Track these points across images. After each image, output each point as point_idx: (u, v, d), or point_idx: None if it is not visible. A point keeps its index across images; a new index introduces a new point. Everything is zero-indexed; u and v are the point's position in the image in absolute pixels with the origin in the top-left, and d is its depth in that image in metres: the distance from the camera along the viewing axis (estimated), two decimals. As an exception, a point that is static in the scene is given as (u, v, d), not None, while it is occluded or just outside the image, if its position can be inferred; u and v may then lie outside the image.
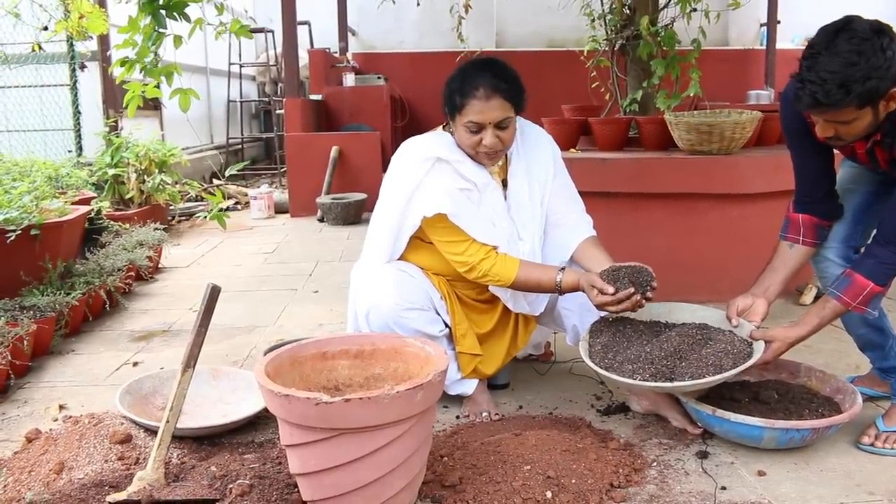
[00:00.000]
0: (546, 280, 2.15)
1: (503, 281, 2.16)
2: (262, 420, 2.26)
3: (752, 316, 2.15)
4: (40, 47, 4.33)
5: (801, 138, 2.04)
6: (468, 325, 2.31)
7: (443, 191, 2.13)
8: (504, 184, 2.29)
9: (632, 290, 2.04)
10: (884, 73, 1.67)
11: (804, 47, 1.78)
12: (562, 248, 2.33)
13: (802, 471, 1.97)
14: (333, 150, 6.54)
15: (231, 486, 1.79)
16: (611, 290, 2.03)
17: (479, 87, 2.06)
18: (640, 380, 1.98)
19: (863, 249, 2.11)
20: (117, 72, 2.43)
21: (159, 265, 4.48)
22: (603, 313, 2.21)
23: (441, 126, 2.30)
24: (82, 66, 5.57)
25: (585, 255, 2.28)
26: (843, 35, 1.69)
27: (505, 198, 2.27)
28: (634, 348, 2.09)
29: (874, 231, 2.04)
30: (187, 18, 2.42)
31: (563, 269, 2.16)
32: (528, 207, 2.28)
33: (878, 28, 1.70)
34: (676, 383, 1.96)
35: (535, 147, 2.33)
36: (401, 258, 2.29)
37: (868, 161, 2.00)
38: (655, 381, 1.97)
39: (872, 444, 2.06)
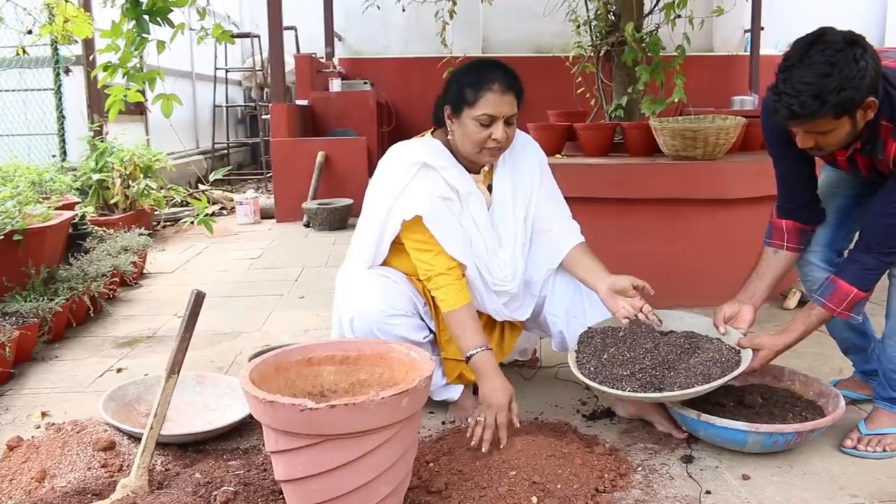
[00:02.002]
0: (466, 343, 2.08)
1: (445, 305, 2.13)
2: (246, 426, 2.25)
3: (740, 322, 2.17)
4: (24, 51, 4.29)
5: (782, 147, 2.06)
6: (453, 330, 2.30)
7: (424, 195, 2.13)
8: (489, 189, 2.30)
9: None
10: (857, 83, 1.69)
11: (785, 56, 1.80)
12: (552, 254, 2.33)
13: (786, 474, 1.98)
14: (319, 156, 6.53)
15: (216, 492, 1.78)
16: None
17: (496, 81, 2.08)
18: (629, 391, 1.99)
19: (846, 253, 2.13)
20: (100, 76, 2.41)
21: (144, 271, 4.45)
22: (590, 323, 2.24)
23: (429, 132, 2.30)
24: (67, 71, 5.54)
25: (576, 263, 2.29)
26: (817, 47, 1.71)
27: (488, 204, 2.28)
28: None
29: (856, 234, 2.06)
30: (171, 24, 2.41)
31: (489, 349, 2.09)
32: (511, 214, 2.28)
33: (852, 39, 1.72)
34: (665, 393, 1.97)
35: (522, 153, 2.33)
36: (385, 264, 2.28)
37: (849, 167, 2.02)
38: (645, 392, 1.98)
39: (855, 448, 2.08)
